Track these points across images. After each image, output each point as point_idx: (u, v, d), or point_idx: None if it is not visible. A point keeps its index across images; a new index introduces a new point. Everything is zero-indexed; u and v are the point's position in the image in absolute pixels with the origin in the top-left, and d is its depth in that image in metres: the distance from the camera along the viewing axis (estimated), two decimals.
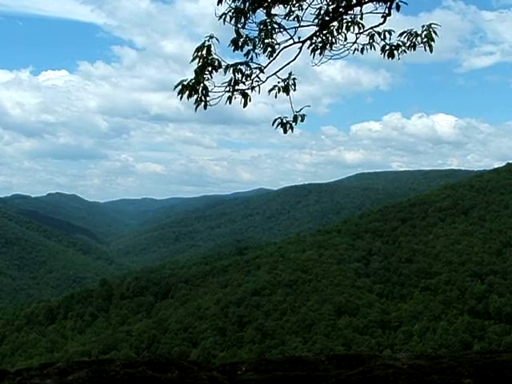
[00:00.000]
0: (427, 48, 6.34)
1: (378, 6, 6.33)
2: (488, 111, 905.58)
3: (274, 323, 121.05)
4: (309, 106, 6.48)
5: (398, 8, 6.31)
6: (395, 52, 6.46)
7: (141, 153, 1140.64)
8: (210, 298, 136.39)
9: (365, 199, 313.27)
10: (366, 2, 6.26)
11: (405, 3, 6.28)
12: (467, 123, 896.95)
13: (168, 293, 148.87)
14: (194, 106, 5.94)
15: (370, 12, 6.37)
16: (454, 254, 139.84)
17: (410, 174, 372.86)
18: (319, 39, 6.28)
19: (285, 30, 6.16)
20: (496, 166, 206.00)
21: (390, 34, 6.44)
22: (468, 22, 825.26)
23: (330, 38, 6.32)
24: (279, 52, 6.22)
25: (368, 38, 6.45)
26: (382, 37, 6.40)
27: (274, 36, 6.14)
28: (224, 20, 6.01)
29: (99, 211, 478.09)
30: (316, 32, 6.26)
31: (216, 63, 5.78)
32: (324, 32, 6.26)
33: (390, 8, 6.31)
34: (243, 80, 6.04)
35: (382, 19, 6.36)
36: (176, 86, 5.83)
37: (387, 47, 6.48)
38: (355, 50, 6.48)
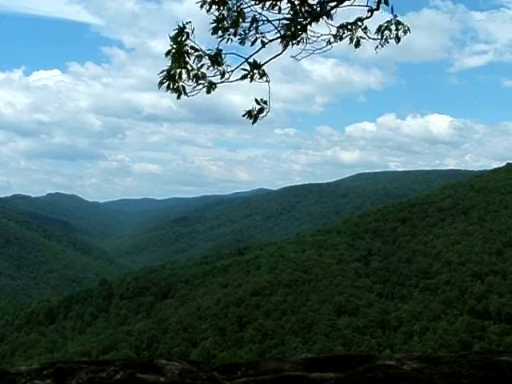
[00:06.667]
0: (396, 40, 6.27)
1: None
2: (482, 111, 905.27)
3: (273, 323, 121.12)
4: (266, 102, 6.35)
5: (386, 2, 6.15)
6: (361, 41, 6.32)
7: (137, 153, 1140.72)
8: (210, 297, 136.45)
9: (365, 199, 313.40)
10: None
11: (386, 2, 6.16)
12: (462, 123, 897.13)
13: (168, 293, 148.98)
14: (169, 92, 5.84)
15: (350, 5, 6.20)
16: (453, 254, 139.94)
17: (409, 174, 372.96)
18: (290, 33, 6.11)
19: (269, 21, 6.04)
20: (495, 166, 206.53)
21: (360, 24, 6.32)
22: (457, 21, 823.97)
23: (300, 33, 6.16)
24: (263, 46, 6.10)
25: (336, 29, 6.31)
26: (353, 28, 6.26)
27: (257, 28, 6.02)
28: (201, 6, 5.87)
29: (99, 211, 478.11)
30: (294, 26, 6.11)
31: (189, 48, 5.66)
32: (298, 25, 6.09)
33: (379, 2, 6.18)
34: (212, 67, 5.92)
35: (369, 13, 6.22)
36: (161, 81, 5.76)
37: (355, 38, 6.37)
38: (330, 41, 6.31)
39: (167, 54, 5.70)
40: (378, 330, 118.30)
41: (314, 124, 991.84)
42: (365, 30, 6.30)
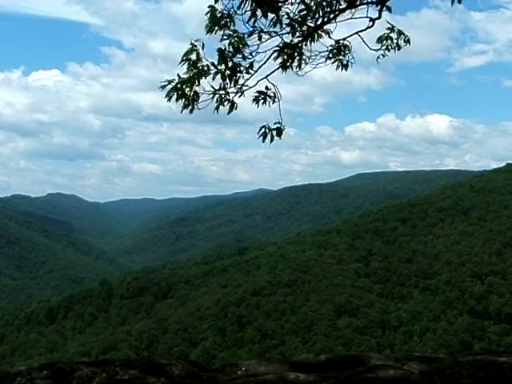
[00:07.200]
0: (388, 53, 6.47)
1: (368, 8, 6.29)
2: (482, 111, 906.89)
3: (273, 323, 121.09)
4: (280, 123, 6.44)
5: (389, 9, 6.25)
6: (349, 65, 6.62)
7: (137, 153, 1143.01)
8: (210, 297, 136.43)
9: (365, 199, 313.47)
10: (357, 5, 6.18)
11: (389, 9, 6.26)
12: (462, 123, 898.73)
13: (168, 293, 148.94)
14: (180, 109, 5.96)
15: (350, 18, 6.31)
16: (453, 255, 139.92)
17: (409, 175, 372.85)
18: (288, 53, 6.26)
19: (277, 34, 6.11)
20: (494, 167, 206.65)
21: (349, 49, 6.50)
22: (456, 21, 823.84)
23: (297, 53, 6.31)
24: (266, 61, 6.20)
25: (330, 52, 6.48)
26: (342, 52, 6.45)
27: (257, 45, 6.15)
28: (210, 30, 5.98)
29: (99, 211, 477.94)
30: (299, 41, 6.24)
31: (206, 68, 5.78)
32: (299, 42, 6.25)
33: (380, 11, 6.24)
34: (231, 86, 6.05)
35: (371, 23, 6.30)
36: (163, 87, 5.81)
37: (344, 62, 6.54)
38: (329, 57, 6.49)
39: (181, 63, 5.82)
40: (378, 330, 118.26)
41: (314, 124, 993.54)
42: (350, 57, 6.51)
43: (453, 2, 6.07)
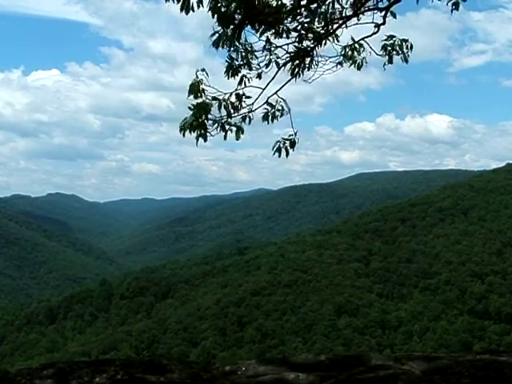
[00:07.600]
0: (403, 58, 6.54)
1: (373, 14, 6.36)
2: (482, 111, 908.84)
3: (273, 323, 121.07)
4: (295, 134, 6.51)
5: (394, 15, 6.34)
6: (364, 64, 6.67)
7: (137, 153, 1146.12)
8: (210, 297, 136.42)
9: (365, 199, 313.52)
10: (362, 12, 6.25)
11: (393, 15, 6.33)
12: (462, 123, 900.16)
13: (168, 293, 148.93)
14: (195, 141, 6.16)
15: (356, 23, 6.38)
16: (453, 254, 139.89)
17: (409, 174, 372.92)
18: (297, 61, 6.34)
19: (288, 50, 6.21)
20: (494, 166, 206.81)
21: (363, 47, 6.57)
22: (456, 21, 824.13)
23: (307, 60, 6.39)
24: (274, 76, 6.28)
25: (342, 54, 6.56)
26: (356, 52, 6.53)
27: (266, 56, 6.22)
28: (216, 46, 6.05)
29: (99, 211, 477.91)
30: (306, 50, 6.31)
31: (209, 103, 5.93)
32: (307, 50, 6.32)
33: (385, 16, 6.32)
34: (235, 113, 6.16)
35: (376, 29, 6.37)
36: (181, 127, 6.02)
37: (358, 61, 6.61)
38: (338, 63, 6.58)
39: (189, 95, 5.95)
40: (378, 329, 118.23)
41: (313, 124, 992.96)
42: (363, 56, 6.59)
43: (452, 10, 6.14)
